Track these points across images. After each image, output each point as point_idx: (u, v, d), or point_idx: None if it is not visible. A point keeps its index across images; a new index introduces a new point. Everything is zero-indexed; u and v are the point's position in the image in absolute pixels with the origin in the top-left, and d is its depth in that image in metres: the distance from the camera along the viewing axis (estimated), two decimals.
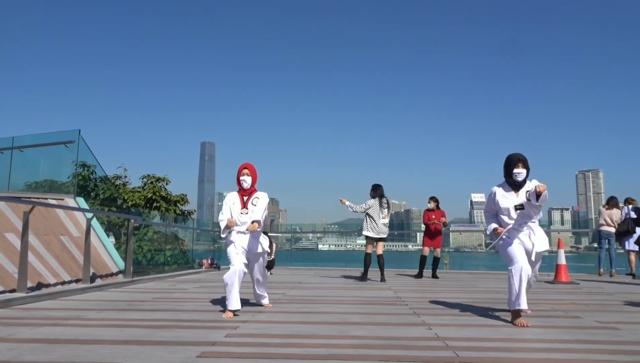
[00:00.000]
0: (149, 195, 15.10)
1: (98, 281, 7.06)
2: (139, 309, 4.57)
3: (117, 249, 9.01)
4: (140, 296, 5.60)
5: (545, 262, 12.80)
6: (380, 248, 8.12)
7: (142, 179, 16.31)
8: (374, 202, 7.98)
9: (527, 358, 2.66)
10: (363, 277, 8.13)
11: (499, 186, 4.18)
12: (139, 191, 15.43)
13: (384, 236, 8.03)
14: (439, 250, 9.12)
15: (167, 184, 16.22)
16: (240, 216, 4.42)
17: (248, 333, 3.35)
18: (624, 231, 9.36)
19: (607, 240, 9.89)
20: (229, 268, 4.29)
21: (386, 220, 8.05)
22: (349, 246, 19.02)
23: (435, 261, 9.16)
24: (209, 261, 11.88)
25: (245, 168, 4.52)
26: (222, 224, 4.40)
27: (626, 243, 9.43)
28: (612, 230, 9.77)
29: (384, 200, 8.08)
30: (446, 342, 3.03)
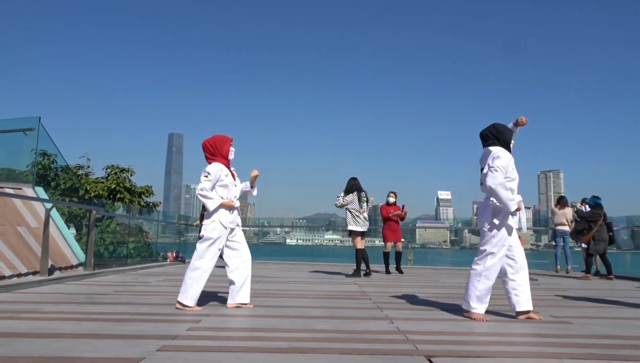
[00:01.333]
0: (113, 186, 14.77)
1: (57, 274, 6.86)
2: (98, 302, 4.47)
3: (78, 241, 8.78)
4: (100, 289, 5.48)
5: None
6: (361, 242, 8.09)
7: (106, 169, 15.94)
8: (352, 197, 7.95)
9: (483, 350, 2.74)
10: (356, 273, 7.99)
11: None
12: (102, 182, 15.07)
13: (365, 229, 8.00)
14: (400, 244, 9.24)
15: (131, 175, 15.91)
16: (235, 188, 4.23)
17: (210, 326, 3.33)
18: (580, 230, 9.74)
19: (562, 238, 10.26)
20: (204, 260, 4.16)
21: (365, 214, 8.04)
22: (316, 241, 19.11)
23: (399, 256, 9.27)
24: (174, 255, 11.71)
25: (231, 140, 4.28)
26: (215, 204, 4.07)
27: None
28: (567, 228, 10.16)
29: (363, 194, 8.06)
30: (407, 335, 3.08)
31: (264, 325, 3.42)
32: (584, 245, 9.74)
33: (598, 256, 9.89)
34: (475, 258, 3.95)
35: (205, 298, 4.70)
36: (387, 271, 8.98)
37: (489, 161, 3.78)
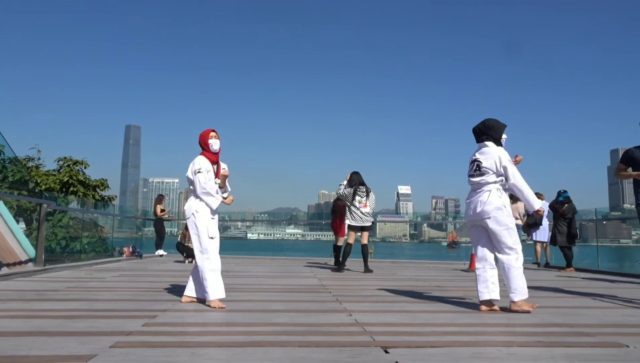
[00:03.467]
0: (65, 179, 14.26)
1: (4, 270, 6.56)
2: (49, 299, 4.31)
3: (28, 236, 8.42)
4: (51, 286, 5.28)
5: (462, 252, 13.59)
6: (364, 238, 7.95)
7: (58, 162, 15.35)
8: (349, 192, 7.81)
9: (438, 340, 2.81)
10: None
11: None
12: (54, 175, 14.51)
13: (366, 224, 7.78)
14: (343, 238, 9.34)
15: (85, 168, 15.39)
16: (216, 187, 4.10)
17: (166, 322, 3.27)
18: (532, 223, 10.12)
19: None
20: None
21: (367, 209, 7.81)
22: (277, 236, 19.05)
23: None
24: (130, 250, 11.41)
25: (214, 130, 4.16)
26: (217, 202, 4.03)
27: (533, 234, 10.22)
28: (520, 222, 10.52)
29: (362, 188, 7.84)
30: (364, 327, 3.12)
31: (221, 319, 3.39)
32: (542, 238, 10.11)
33: (545, 246, 10.33)
34: (507, 249, 3.87)
35: (162, 293, 4.61)
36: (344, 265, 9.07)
37: (503, 161, 3.84)
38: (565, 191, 9.66)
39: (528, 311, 3.79)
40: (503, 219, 3.81)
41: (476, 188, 3.97)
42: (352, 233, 7.89)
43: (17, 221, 9.06)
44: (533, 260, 10.49)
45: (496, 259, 4.00)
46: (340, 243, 9.13)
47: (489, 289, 3.91)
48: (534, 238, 10.23)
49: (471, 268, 8.75)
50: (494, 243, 3.95)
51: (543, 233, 10.17)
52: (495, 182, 3.86)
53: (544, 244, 10.35)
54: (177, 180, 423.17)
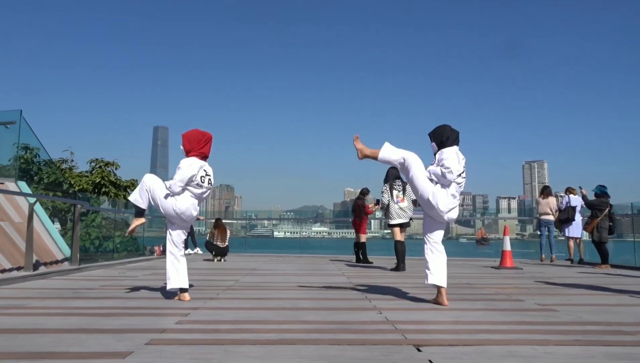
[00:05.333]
0: (97, 180, 14.61)
1: (42, 269, 6.77)
2: (85, 297, 4.42)
3: (63, 236, 8.67)
4: (86, 284, 5.42)
5: (492, 248, 13.37)
6: (401, 234, 7.68)
7: (90, 163, 15.74)
8: (385, 188, 7.68)
9: (471, 339, 2.76)
10: (398, 267, 7.50)
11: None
12: (87, 176, 14.89)
13: (404, 221, 7.57)
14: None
15: (116, 169, 15.75)
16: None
17: (199, 319, 3.31)
18: (564, 219, 9.86)
19: (546, 228, 10.37)
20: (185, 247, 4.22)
21: (404, 203, 7.56)
22: (304, 234, 19.09)
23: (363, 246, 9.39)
24: (161, 248, 11.63)
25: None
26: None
27: (566, 230, 9.95)
28: (552, 217, 10.27)
29: (398, 182, 7.62)
30: (395, 325, 3.10)
31: (253, 317, 3.41)
32: (574, 234, 9.81)
33: (579, 242, 10.01)
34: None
35: (193, 291, 4.68)
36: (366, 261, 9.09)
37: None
38: (601, 186, 9.36)
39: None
40: None
41: (457, 188, 4.01)
42: (397, 230, 7.58)
43: (53, 222, 9.33)
44: (566, 257, 10.23)
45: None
46: (363, 240, 9.15)
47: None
48: (567, 234, 9.95)
49: (502, 265, 8.61)
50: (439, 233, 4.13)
51: (576, 229, 9.88)
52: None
53: (577, 240, 10.07)
54: None
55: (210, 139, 4.19)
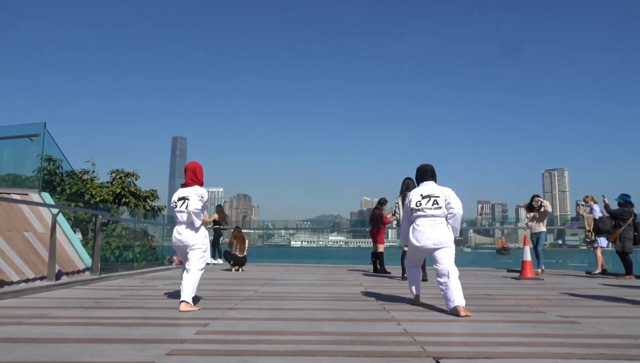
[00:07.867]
0: (118, 190, 14.81)
1: (64, 279, 6.89)
2: (106, 307, 4.49)
3: (84, 245, 8.82)
4: (107, 294, 5.50)
5: (512, 259, 13.16)
6: None
7: (111, 174, 15.99)
8: (398, 200, 7.71)
9: (491, 351, 2.73)
10: (403, 276, 7.59)
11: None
12: (107, 187, 15.12)
13: None
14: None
15: (136, 179, 15.95)
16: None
17: (218, 330, 3.34)
18: (605, 229, 9.33)
19: (537, 239, 9.79)
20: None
21: None
22: (321, 243, 19.06)
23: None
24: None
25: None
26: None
27: (599, 240, 9.47)
28: (541, 229, 9.70)
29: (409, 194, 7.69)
30: (414, 337, 3.08)
31: (271, 328, 3.42)
32: (604, 244, 9.43)
33: (599, 253, 9.59)
34: (451, 264, 4.42)
35: (212, 301, 4.72)
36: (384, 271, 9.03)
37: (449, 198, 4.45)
38: (625, 195, 9.11)
39: (469, 315, 3.98)
40: (453, 247, 4.50)
41: (430, 220, 4.42)
42: None
43: (74, 232, 9.50)
44: (595, 268, 9.74)
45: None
46: (380, 250, 9.10)
47: (419, 287, 4.80)
48: (599, 244, 9.53)
49: (522, 276, 8.46)
50: (438, 261, 4.42)
51: (603, 239, 9.53)
52: (446, 216, 4.44)
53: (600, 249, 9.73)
54: (221, 189, 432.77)
55: (187, 169, 4.68)
